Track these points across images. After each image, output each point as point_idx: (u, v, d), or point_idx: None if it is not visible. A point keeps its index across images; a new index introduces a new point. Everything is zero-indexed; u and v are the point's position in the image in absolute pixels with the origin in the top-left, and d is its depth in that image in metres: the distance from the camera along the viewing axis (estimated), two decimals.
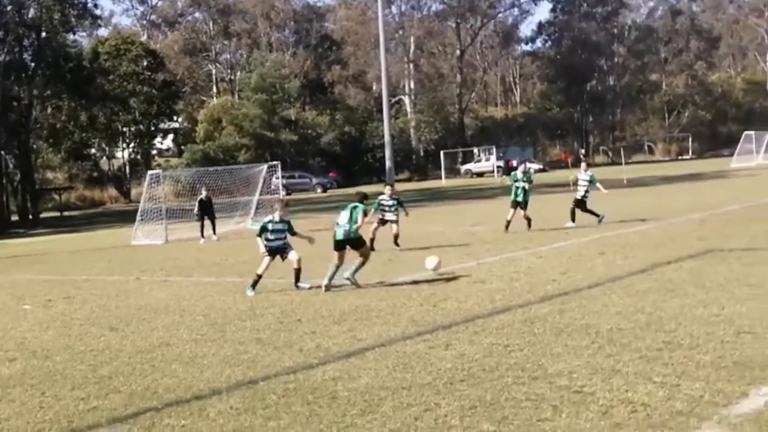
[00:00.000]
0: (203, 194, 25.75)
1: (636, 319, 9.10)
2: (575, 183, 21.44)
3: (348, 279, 12.86)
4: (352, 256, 13.14)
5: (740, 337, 8.05)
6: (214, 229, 25.74)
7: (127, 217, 36.22)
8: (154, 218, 27.65)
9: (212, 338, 9.82)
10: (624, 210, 22.05)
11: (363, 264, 13.07)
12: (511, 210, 20.27)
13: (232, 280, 15.09)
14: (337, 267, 12.86)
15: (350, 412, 6.51)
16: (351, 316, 10.57)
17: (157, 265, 19.23)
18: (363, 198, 13.57)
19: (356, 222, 12.94)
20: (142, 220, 27.75)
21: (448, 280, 12.99)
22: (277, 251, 13.19)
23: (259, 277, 13.08)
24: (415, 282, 13.00)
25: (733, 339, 7.98)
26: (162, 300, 13.32)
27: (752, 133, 61.53)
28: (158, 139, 79.63)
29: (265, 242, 13.17)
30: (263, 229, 13.25)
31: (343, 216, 13.06)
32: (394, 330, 9.52)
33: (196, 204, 25.84)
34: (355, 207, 13.13)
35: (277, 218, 13.22)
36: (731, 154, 61.84)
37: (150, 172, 31.71)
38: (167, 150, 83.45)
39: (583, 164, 23.14)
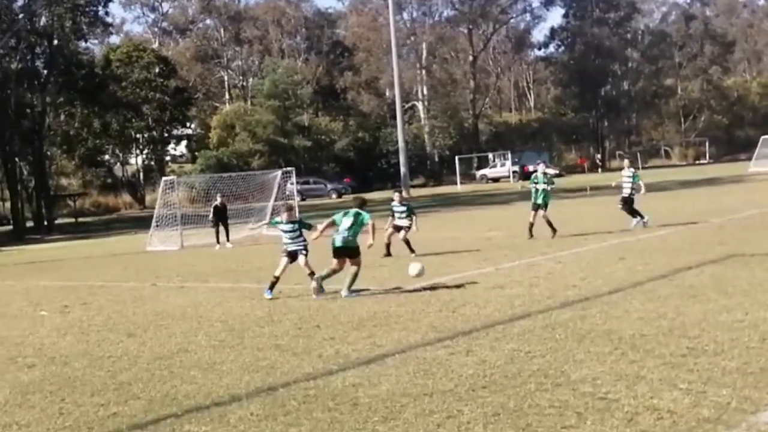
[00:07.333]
0: (218, 200, 25.78)
1: (659, 325, 9.03)
2: (617, 185, 21.57)
3: (348, 295, 12.62)
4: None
5: (765, 343, 7.96)
6: (227, 236, 25.72)
7: (141, 223, 36.37)
8: (169, 224, 27.73)
9: (230, 344, 9.81)
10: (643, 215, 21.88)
11: (356, 275, 12.85)
12: (532, 212, 20.09)
13: (248, 286, 15.09)
14: (334, 271, 12.85)
15: (372, 419, 6.47)
16: (370, 322, 10.54)
17: (173, 271, 19.27)
18: (362, 203, 13.49)
19: (364, 225, 12.93)
20: (157, 226, 27.84)
21: (467, 285, 12.93)
22: (294, 255, 13.24)
23: (276, 279, 13.09)
24: (433, 288, 12.94)
25: (759, 345, 7.90)
26: (179, 306, 13.34)
27: None
28: (171, 145, 79.92)
29: (283, 245, 13.30)
30: (276, 223, 13.68)
31: (346, 222, 12.94)
32: (413, 336, 9.48)
33: (212, 210, 25.89)
34: (358, 213, 13.03)
35: (285, 220, 13.33)
36: (749, 159, 61.42)
37: (165, 178, 31.83)
38: (181, 156, 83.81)
39: (625, 161, 23.63)
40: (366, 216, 13.06)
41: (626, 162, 22.95)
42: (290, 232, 13.27)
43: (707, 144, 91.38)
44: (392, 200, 18.86)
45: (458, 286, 12.92)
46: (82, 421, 7.05)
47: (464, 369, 7.75)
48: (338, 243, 12.87)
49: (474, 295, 11.96)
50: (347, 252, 12.89)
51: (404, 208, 18.53)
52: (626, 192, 20.93)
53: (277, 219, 13.83)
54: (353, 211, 13.12)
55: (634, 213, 20.72)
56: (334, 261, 12.88)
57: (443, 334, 9.41)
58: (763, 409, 6.07)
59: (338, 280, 13.00)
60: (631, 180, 21.05)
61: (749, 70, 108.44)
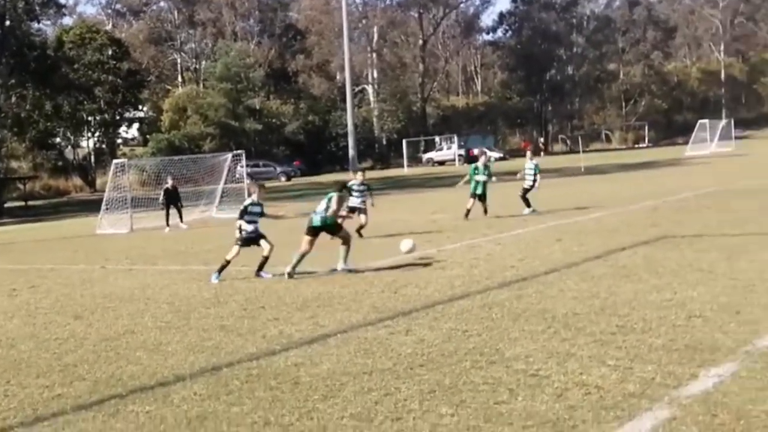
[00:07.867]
0: (169, 183, 25.64)
1: (591, 304, 9.21)
2: (521, 172, 21.97)
3: (344, 269, 12.87)
4: (328, 246, 13.14)
5: (691, 321, 8.17)
6: (180, 217, 25.67)
7: (92, 207, 35.81)
8: (119, 207, 27.37)
9: (176, 326, 9.77)
10: (581, 197, 22.28)
11: (348, 248, 13.12)
12: (471, 200, 20.47)
13: (197, 268, 15.01)
14: (303, 255, 12.84)
15: (312, 397, 6.53)
16: (314, 302, 10.57)
17: (123, 253, 19.04)
18: (342, 187, 13.65)
19: (331, 208, 12.97)
20: (107, 209, 27.47)
21: (409, 267, 13.03)
22: (250, 238, 13.16)
23: (227, 263, 13.04)
24: (377, 269, 13.03)
25: (685, 323, 8.10)
26: (127, 288, 13.22)
27: (706, 121, 62.37)
28: (123, 128, 78.65)
29: (242, 231, 13.15)
30: (244, 211, 13.26)
31: (322, 204, 13.07)
32: (355, 316, 9.55)
33: (162, 192, 25.70)
34: (332, 196, 13.16)
35: (256, 199, 13.29)
36: (686, 143, 62.68)
37: (115, 161, 31.40)
38: (132, 139, 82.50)
39: (528, 153, 24.24)
40: (333, 194, 13.13)
41: (528, 155, 23.62)
42: (258, 215, 13.26)
43: (647, 128, 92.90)
44: (351, 180, 18.55)
45: (401, 267, 13.01)
46: (27, 402, 6.99)
47: (403, 348, 7.84)
48: (316, 222, 12.92)
49: (416, 276, 12.07)
50: (328, 229, 13.03)
51: (364, 188, 18.39)
52: (528, 184, 21.54)
53: (248, 202, 13.56)
54: (329, 194, 13.21)
55: (528, 203, 21.35)
56: (305, 240, 12.86)
57: (384, 315, 9.49)
58: (685, 384, 6.23)
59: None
60: (533, 172, 21.58)
61: (689, 56, 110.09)
